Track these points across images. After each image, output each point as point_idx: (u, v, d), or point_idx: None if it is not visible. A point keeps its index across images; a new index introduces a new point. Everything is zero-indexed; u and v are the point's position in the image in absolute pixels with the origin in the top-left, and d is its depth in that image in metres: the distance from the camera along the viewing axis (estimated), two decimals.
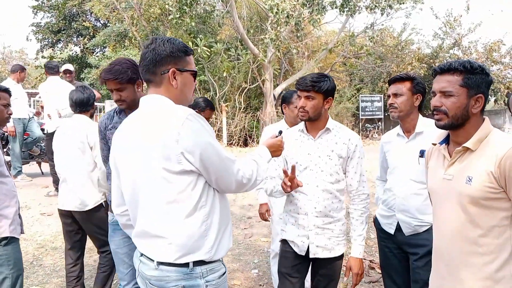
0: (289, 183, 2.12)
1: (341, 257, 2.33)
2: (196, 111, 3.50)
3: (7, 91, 2.49)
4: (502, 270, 1.52)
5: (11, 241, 2.26)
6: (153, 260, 1.55)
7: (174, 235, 1.51)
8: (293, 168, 2.11)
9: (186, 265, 1.53)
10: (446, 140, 1.71)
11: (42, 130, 7.47)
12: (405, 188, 2.36)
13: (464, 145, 1.58)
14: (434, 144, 1.76)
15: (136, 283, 2.51)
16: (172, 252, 1.51)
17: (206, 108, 3.54)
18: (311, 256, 2.28)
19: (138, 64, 2.38)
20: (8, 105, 2.48)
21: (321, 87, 2.21)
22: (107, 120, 2.51)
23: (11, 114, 2.53)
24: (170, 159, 1.47)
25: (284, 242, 2.40)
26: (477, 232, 1.55)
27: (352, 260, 2.29)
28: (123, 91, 2.33)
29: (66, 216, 3.14)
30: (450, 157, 1.65)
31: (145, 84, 1.71)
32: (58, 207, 3.17)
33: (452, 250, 1.62)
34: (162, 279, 1.54)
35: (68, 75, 6.59)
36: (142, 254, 1.62)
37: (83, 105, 3.10)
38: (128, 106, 2.38)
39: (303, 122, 2.38)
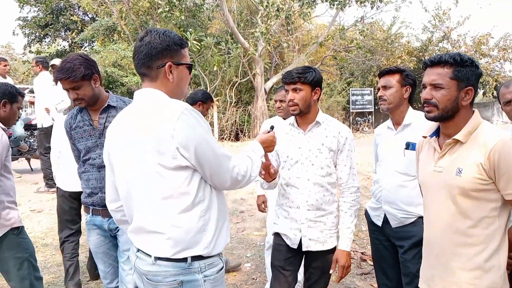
0: (263, 172, 2.11)
1: (333, 250, 2.33)
2: (199, 104, 3.56)
3: (23, 96, 2.66)
4: (491, 260, 1.55)
5: (21, 229, 2.54)
6: (150, 255, 1.54)
7: (171, 230, 1.50)
8: (266, 154, 2.07)
9: (184, 260, 1.51)
10: (437, 133, 1.73)
11: (31, 126, 7.38)
12: (391, 180, 2.38)
13: (454, 137, 1.60)
14: (425, 137, 1.78)
15: (119, 281, 2.46)
16: (170, 247, 1.50)
17: (207, 100, 3.61)
18: (303, 249, 2.29)
19: (91, 59, 2.28)
20: (21, 108, 2.64)
21: (306, 77, 2.21)
22: (71, 119, 2.41)
23: (19, 117, 2.65)
24: (165, 154, 1.45)
25: (276, 235, 2.41)
26: (467, 223, 1.57)
27: (339, 253, 2.27)
28: (79, 89, 2.23)
29: (76, 198, 3.25)
30: (441, 149, 1.66)
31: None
32: (66, 189, 3.26)
33: (442, 241, 1.64)
34: (160, 274, 1.53)
35: (54, 70, 6.50)
36: (138, 250, 1.60)
37: None
38: (88, 104, 2.29)
39: (293, 116, 2.38)
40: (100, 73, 2.35)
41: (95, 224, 2.43)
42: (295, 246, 2.30)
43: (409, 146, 2.25)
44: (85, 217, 2.51)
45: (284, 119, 3.13)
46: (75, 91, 2.23)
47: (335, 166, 2.31)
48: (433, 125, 1.74)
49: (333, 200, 2.33)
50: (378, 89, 2.41)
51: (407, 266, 2.32)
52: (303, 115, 2.29)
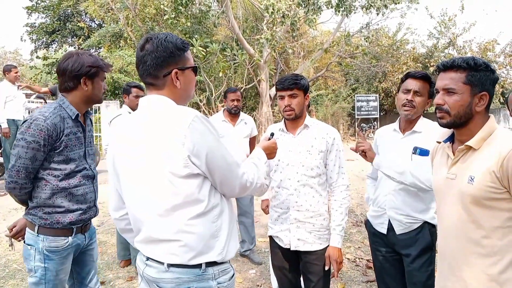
0: None
1: (323, 253, 2.36)
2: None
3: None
4: (506, 272, 1.48)
5: None
6: (162, 263, 1.51)
7: (185, 237, 1.48)
8: None
9: (198, 266, 1.50)
10: (451, 138, 1.68)
11: None
12: (395, 183, 2.31)
13: (467, 143, 1.54)
14: (439, 142, 1.73)
15: None
16: (184, 253, 1.48)
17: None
18: (292, 248, 2.37)
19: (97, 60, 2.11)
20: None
21: (302, 84, 2.34)
22: (61, 123, 2.09)
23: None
24: (176, 163, 1.43)
25: (271, 238, 2.52)
26: (480, 233, 1.51)
27: (330, 249, 2.34)
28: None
29: None
30: (454, 155, 1.61)
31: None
32: None
33: (455, 250, 1.58)
34: (173, 281, 1.50)
35: None
36: (148, 258, 1.58)
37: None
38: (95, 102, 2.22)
39: (282, 121, 2.48)
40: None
41: (77, 244, 2.19)
42: (288, 247, 2.39)
43: (417, 151, 2.20)
44: (62, 241, 2.12)
45: None
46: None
47: (325, 166, 2.39)
48: (448, 130, 1.68)
49: (323, 202, 2.39)
50: (407, 91, 2.26)
51: (415, 275, 2.27)
52: (295, 120, 2.40)
